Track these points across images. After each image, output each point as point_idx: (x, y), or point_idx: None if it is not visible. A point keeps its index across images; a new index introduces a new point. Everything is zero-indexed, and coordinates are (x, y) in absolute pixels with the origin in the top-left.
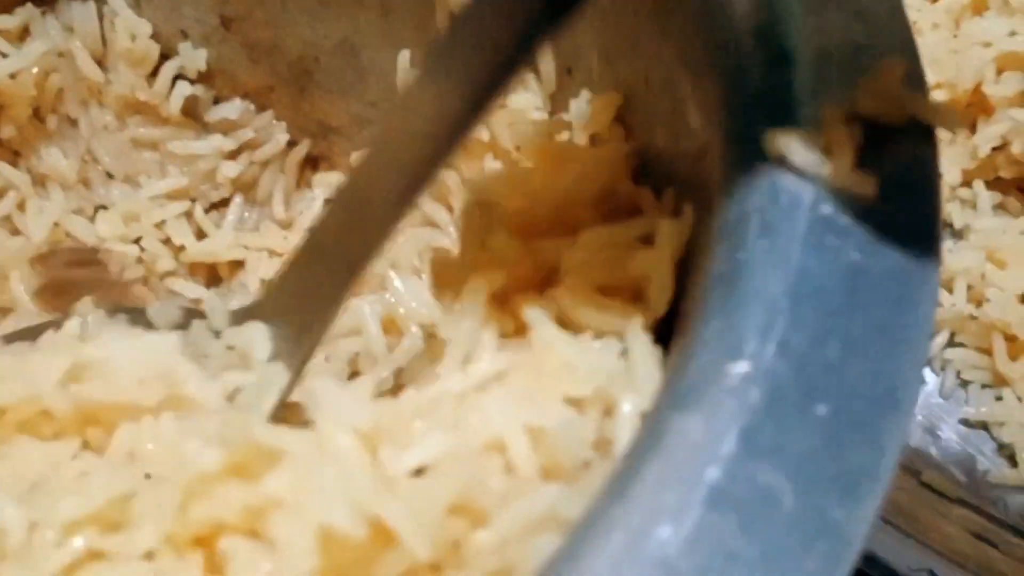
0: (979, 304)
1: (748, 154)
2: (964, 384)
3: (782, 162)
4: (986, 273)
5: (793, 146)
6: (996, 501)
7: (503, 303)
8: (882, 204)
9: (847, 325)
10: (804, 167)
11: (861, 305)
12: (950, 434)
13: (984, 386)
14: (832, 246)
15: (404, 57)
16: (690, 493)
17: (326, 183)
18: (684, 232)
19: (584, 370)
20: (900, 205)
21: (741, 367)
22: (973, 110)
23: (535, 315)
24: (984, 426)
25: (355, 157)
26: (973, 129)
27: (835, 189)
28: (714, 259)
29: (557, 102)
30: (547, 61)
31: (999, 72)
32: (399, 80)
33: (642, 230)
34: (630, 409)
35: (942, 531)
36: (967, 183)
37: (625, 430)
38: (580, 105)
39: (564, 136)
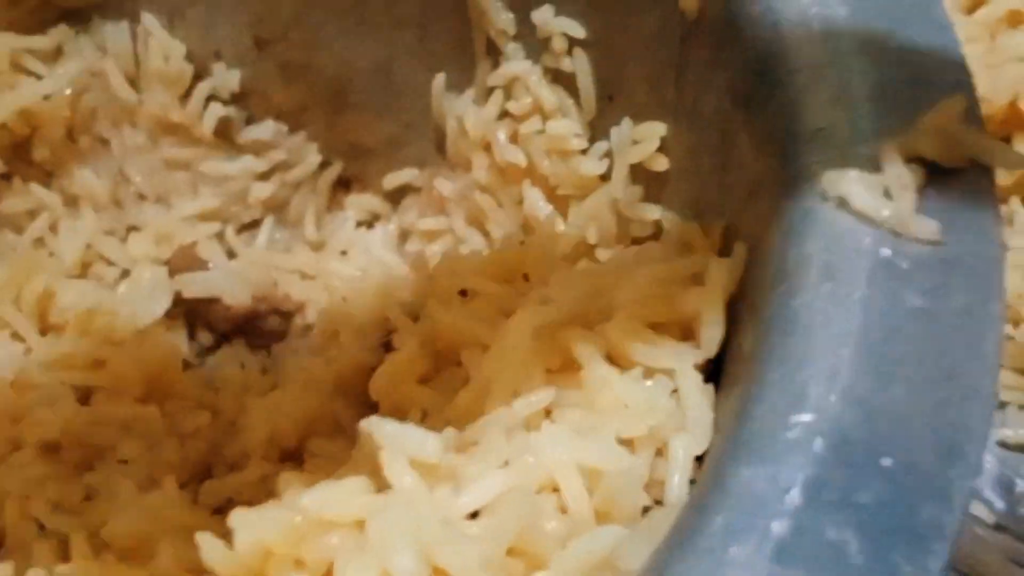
0: (1016, 324)
1: (806, 194)
2: (1002, 405)
3: (842, 203)
4: (1023, 293)
5: (853, 187)
6: None
7: (549, 338)
8: (944, 245)
9: (912, 373)
10: (864, 209)
11: (926, 351)
12: (988, 457)
13: (1022, 407)
14: (895, 291)
15: (440, 79)
16: (757, 547)
17: (358, 205)
18: (736, 271)
19: (637, 409)
20: (962, 246)
21: (805, 416)
22: (1009, 125)
23: (586, 351)
24: (1023, 448)
25: (388, 179)
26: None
27: (896, 232)
28: (773, 303)
29: (597, 129)
30: (588, 87)
31: None
32: (433, 102)
33: (694, 268)
34: (683, 451)
35: (979, 558)
36: (1004, 200)
37: (678, 473)
38: (622, 132)
39: (602, 166)
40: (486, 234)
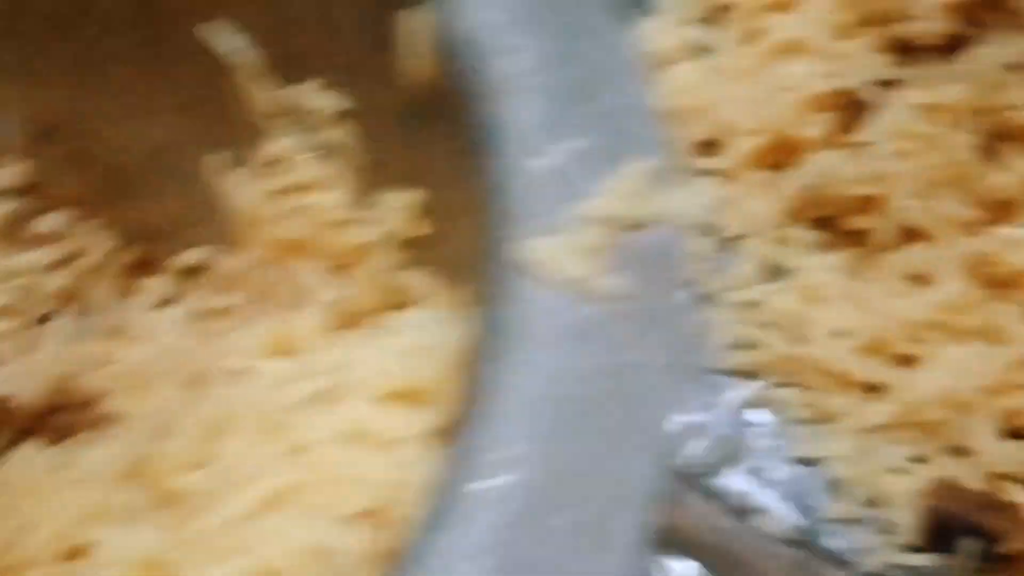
0: (800, 343)
1: (504, 262)
2: (792, 423)
3: (538, 268)
4: (805, 311)
5: (543, 253)
6: (828, 536)
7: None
8: (632, 302)
9: (592, 431)
10: (555, 273)
11: (607, 410)
12: (781, 474)
13: (811, 423)
14: (579, 352)
15: (217, 159)
16: None
17: (153, 287)
18: (465, 337)
19: (364, 484)
20: (650, 300)
21: (489, 484)
22: (784, 153)
23: (314, 427)
24: (814, 463)
25: (179, 260)
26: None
27: (588, 291)
28: (478, 368)
29: (364, 197)
30: (352, 159)
31: (806, 114)
32: (212, 182)
33: (430, 338)
34: (410, 520)
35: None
36: (786, 224)
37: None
38: (387, 200)
39: (373, 233)
40: (270, 311)
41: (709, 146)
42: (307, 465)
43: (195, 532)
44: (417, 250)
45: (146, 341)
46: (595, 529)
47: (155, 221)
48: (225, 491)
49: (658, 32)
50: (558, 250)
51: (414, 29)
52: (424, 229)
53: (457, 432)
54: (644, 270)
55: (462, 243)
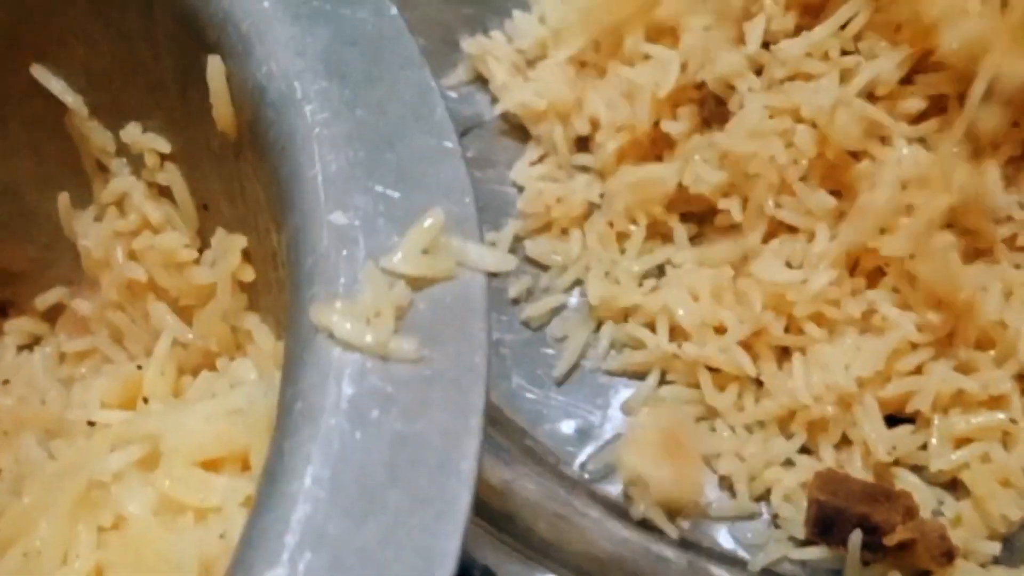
0: (682, 340)
1: (303, 325)
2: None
3: (329, 335)
4: (684, 308)
5: (336, 318)
6: (719, 534)
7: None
8: (425, 363)
9: (387, 503)
10: (347, 338)
11: (403, 479)
12: None
13: (698, 419)
14: (375, 419)
15: (64, 199)
16: None
17: (17, 329)
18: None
19: (181, 557)
20: (444, 360)
21: (277, 572)
22: (658, 146)
23: (132, 502)
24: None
25: (39, 300)
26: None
27: (378, 356)
28: (271, 446)
29: (203, 237)
30: (184, 199)
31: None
32: (63, 222)
33: (243, 400)
34: None
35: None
36: (659, 220)
37: None
38: (218, 243)
39: (214, 274)
40: (127, 351)
41: (583, 142)
42: (123, 541)
43: None
44: (250, 294)
45: (11, 387)
46: None
47: (12, 263)
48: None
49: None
50: (351, 314)
51: (214, 76)
52: (250, 275)
53: (249, 516)
54: (442, 328)
55: (280, 295)
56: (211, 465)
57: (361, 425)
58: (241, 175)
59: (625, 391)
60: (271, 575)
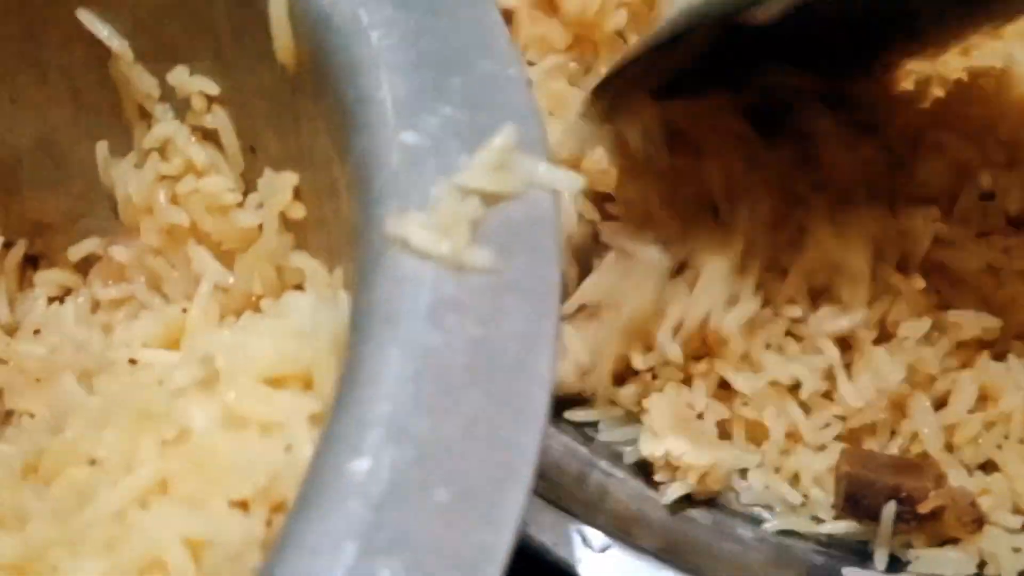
0: None
1: (374, 239)
2: None
3: (403, 245)
4: None
5: (412, 228)
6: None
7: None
8: (500, 273)
9: (467, 402)
10: (423, 247)
11: (482, 380)
12: None
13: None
14: (453, 324)
15: (102, 148)
16: None
17: (48, 281)
18: (341, 318)
19: (247, 470)
20: (518, 271)
21: (363, 463)
22: None
23: (195, 415)
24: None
25: (72, 251)
26: None
27: (454, 266)
28: (350, 351)
29: (248, 181)
30: (231, 142)
31: None
32: (100, 171)
33: (306, 322)
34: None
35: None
36: None
37: None
38: (266, 183)
39: (258, 217)
40: (165, 297)
41: None
42: (188, 453)
43: (78, 527)
44: (298, 233)
45: (43, 336)
46: (477, 502)
47: (45, 214)
48: (106, 484)
49: None
50: (426, 225)
51: (276, 6)
52: (301, 212)
53: (331, 414)
54: (515, 242)
55: (338, 223)
56: (275, 383)
57: (439, 329)
58: (296, 109)
59: None
60: (356, 465)
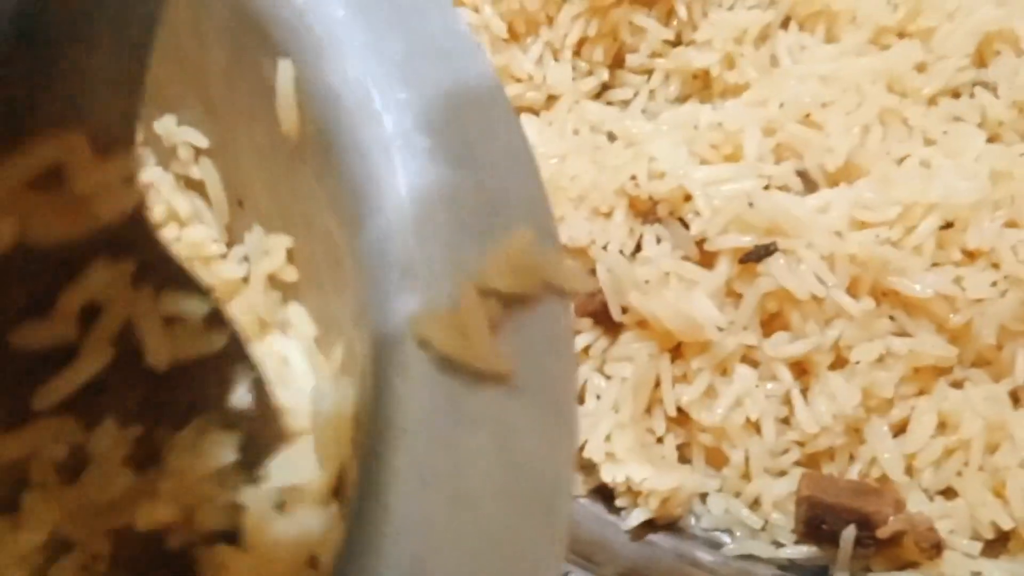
0: None
1: (390, 331)
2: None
3: (423, 344)
4: None
5: (432, 328)
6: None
7: None
8: (520, 376)
9: (489, 517)
10: (443, 349)
11: (506, 494)
12: None
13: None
14: (472, 431)
15: None
16: None
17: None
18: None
19: None
20: (538, 375)
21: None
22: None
23: None
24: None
25: None
26: None
27: (472, 371)
28: (367, 444)
29: (233, 233)
30: (218, 194)
31: None
32: None
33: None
34: None
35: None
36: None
37: None
38: (254, 239)
39: (243, 269)
40: None
41: None
42: None
43: None
44: (288, 292)
45: None
46: None
47: None
48: None
49: None
50: (441, 324)
51: (283, 81)
52: (293, 276)
53: (348, 525)
54: (533, 345)
55: (339, 297)
56: None
57: (458, 438)
58: (294, 176)
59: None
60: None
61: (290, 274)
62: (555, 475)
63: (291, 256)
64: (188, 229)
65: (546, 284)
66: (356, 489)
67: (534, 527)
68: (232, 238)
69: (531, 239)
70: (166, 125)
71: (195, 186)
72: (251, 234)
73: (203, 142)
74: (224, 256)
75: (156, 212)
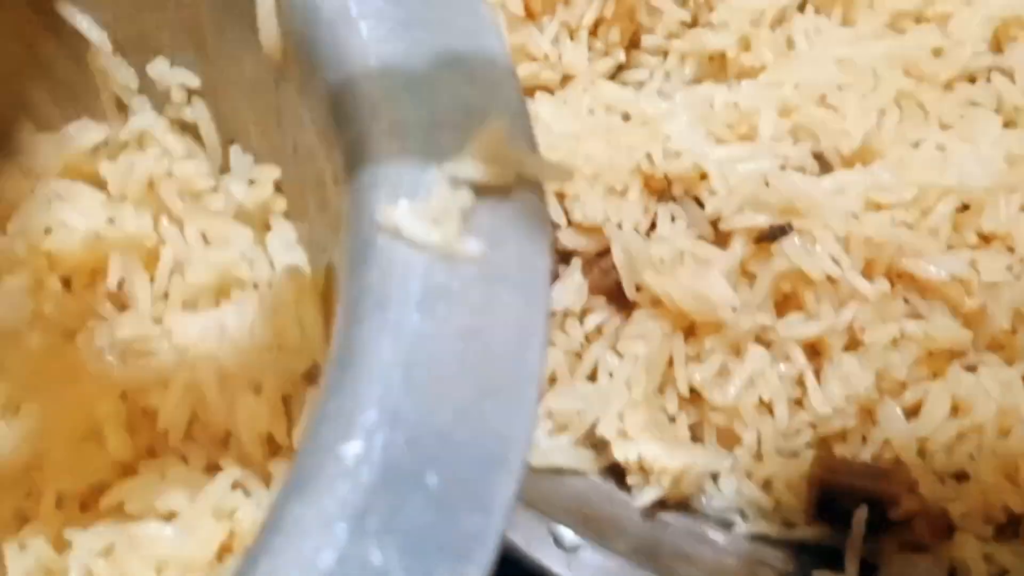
0: None
1: (365, 226)
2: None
3: (395, 233)
4: None
5: (403, 216)
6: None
7: None
8: (490, 264)
9: (458, 390)
10: (414, 236)
11: (472, 368)
12: None
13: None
14: (443, 313)
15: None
16: None
17: None
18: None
19: None
20: (508, 262)
21: (354, 447)
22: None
23: None
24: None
25: None
26: None
27: (445, 255)
28: (338, 336)
29: (225, 173)
30: (210, 134)
31: None
32: None
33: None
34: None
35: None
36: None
37: None
38: (244, 174)
39: (230, 206)
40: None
41: None
42: None
43: None
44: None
45: None
46: (467, 487)
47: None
48: None
49: None
50: (418, 214)
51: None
52: (282, 206)
53: (322, 396)
54: (505, 233)
55: (322, 216)
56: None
57: (430, 317)
58: (280, 101)
59: None
60: (348, 448)
61: (279, 205)
62: (524, 358)
63: (278, 187)
64: (180, 163)
65: (521, 174)
66: (336, 353)
67: (502, 401)
68: (223, 173)
69: (506, 130)
70: (159, 68)
71: (188, 129)
72: (242, 165)
73: (195, 81)
74: (214, 188)
75: (149, 155)
